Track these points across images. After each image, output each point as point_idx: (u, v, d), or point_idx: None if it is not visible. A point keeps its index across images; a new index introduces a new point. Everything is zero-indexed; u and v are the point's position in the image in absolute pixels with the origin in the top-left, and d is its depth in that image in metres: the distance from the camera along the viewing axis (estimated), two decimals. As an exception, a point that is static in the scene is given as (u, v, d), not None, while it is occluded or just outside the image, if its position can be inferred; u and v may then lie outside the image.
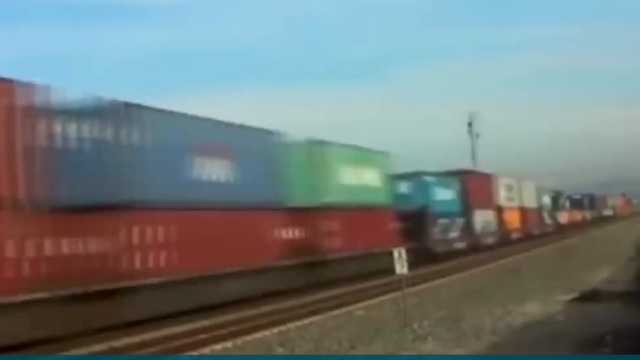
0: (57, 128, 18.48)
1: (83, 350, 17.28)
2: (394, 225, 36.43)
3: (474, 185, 51.39)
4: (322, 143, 30.86)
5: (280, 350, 15.62)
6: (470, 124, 77.42)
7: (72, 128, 18.87)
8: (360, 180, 33.73)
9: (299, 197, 27.93)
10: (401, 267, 18.35)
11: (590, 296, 21.23)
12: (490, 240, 53.61)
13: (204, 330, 19.17)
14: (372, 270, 31.04)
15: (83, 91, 20.00)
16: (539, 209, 73.63)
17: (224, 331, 18.71)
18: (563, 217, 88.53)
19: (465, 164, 67.30)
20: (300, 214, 27.96)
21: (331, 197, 30.35)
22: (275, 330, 18.65)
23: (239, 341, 17.20)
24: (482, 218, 52.44)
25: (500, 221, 57.08)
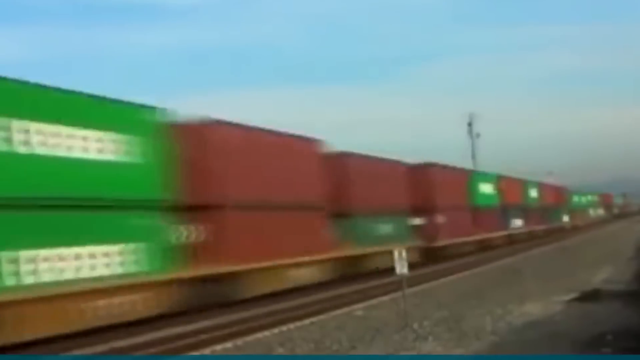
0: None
1: (84, 351, 17.29)
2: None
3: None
4: None
5: (280, 350, 15.61)
6: (470, 124, 77.43)
7: None
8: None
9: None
10: (401, 267, 18.34)
11: (590, 296, 21.23)
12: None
13: (204, 330, 19.17)
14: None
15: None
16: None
17: (224, 331, 18.71)
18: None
19: (466, 163, 67.31)
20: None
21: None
22: (276, 330, 18.66)
23: (239, 341, 17.19)
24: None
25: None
